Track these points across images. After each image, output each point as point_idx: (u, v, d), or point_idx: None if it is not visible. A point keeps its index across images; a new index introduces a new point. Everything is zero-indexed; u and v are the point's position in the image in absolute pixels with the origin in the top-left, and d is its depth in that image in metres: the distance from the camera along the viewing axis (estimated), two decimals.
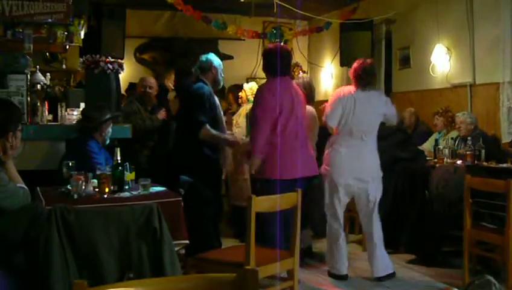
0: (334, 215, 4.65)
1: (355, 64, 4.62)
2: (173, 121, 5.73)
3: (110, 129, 4.38)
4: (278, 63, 4.31)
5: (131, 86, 7.38)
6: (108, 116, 4.36)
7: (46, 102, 4.88)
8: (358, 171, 4.55)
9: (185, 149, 4.71)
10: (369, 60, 4.69)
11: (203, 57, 4.85)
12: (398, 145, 5.46)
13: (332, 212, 4.66)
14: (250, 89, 6.06)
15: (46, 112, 4.86)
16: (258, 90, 4.57)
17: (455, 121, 5.86)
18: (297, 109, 4.40)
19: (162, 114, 5.87)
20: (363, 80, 4.54)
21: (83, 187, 3.37)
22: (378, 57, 7.91)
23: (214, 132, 4.63)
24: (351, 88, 4.61)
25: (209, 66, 4.79)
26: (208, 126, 4.58)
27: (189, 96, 4.80)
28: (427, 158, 5.64)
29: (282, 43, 8.19)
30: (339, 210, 4.65)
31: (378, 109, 4.60)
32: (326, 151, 4.69)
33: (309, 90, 5.12)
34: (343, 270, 4.63)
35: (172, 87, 7.08)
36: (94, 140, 4.26)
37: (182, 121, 4.89)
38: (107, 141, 4.39)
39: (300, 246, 3.57)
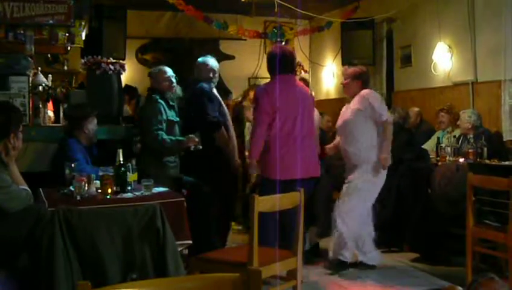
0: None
1: (358, 70, 4.84)
2: None
3: (93, 126, 4.36)
4: (276, 64, 4.31)
5: (129, 88, 7.23)
6: (87, 112, 4.37)
7: (49, 102, 4.89)
8: None
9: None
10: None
11: (199, 59, 5.06)
12: (402, 146, 5.43)
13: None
14: None
15: (50, 113, 4.87)
16: (255, 92, 4.56)
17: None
18: (300, 108, 4.32)
19: None
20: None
21: (86, 188, 3.38)
22: (380, 55, 7.91)
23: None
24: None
25: (203, 67, 4.97)
26: (223, 128, 4.78)
27: (196, 97, 4.84)
28: (430, 157, 5.62)
29: (283, 43, 8.21)
30: None
31: None
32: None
33: None
34: None
35: None
36: (74, 138, 4.27)
37: (186, 120, 4.89)
38: (94, 139, 4.40)
39: (305, 246, 3.54)
